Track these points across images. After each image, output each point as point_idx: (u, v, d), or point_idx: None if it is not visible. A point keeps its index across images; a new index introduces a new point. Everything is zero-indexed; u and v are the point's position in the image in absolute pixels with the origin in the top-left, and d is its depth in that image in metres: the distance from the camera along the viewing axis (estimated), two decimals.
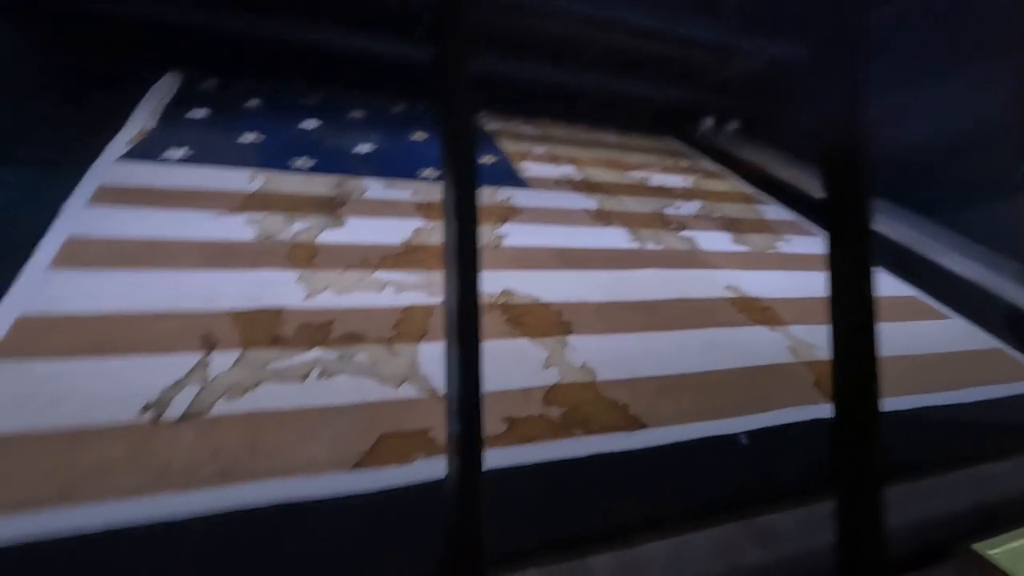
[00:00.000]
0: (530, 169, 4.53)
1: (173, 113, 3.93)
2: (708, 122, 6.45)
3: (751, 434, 2.26)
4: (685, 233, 4.06)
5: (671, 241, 3.89)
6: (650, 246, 3.74)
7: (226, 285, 2.44)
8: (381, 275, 2.76)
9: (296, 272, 2.63)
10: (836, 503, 1.13)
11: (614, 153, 5.49)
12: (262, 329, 2.25)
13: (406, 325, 2.46)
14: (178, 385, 1.91)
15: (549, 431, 2.08)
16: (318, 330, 2.31)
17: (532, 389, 2.26)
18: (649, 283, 3.27)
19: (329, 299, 2.51)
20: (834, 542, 1.11)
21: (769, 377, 2.67)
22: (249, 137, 3.88)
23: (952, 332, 3.43)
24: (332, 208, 3.26)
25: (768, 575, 1.19)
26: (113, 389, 1.85)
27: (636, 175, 5.01)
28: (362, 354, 2.24)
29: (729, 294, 3.34)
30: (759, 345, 2.92)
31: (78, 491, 1.53)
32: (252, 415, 1.86)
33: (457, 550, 0.94)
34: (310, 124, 4.29)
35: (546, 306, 2.82)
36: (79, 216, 2.65)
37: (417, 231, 3.23)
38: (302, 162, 3.71)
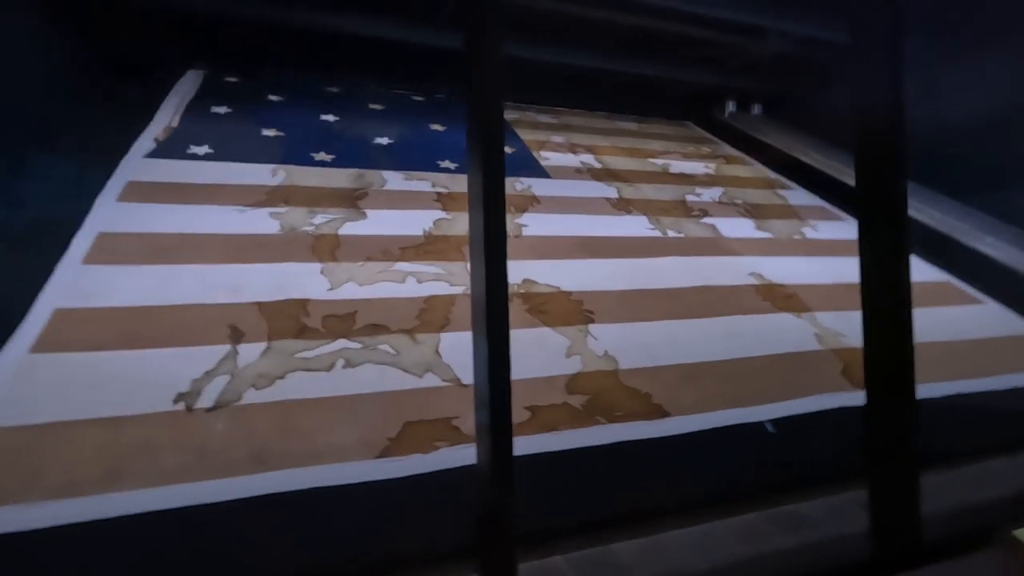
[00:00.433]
0: (549, 158, 4.50)
1: (197, 109, 3.99)
2: (731, 106, 6.32)
3: (777, 422, 2.24)
4: (707, 220, 4.01)
5: (693, 228, 3.85)
6: (671, 233, 3.70)
7: (252, 277, 2.48)
8: (402, 266, 2.78)
9: (320, 264, 2.67)
10: (870, 489, 1.12)
11: (633, 140, 5.43)
12: (288, 320, 2.29)
13: (428, 315, 2.48)
14: (209, 375, 1.96)
15: (572, 419, 2.08)
16: (342, 320, 2.34)
17: (554, 377, 2.27)
18: (671, 271, 3.24)
19: (352, 290, 2.54)
20: (869, 528, 1.10)
21: (795, 365, 2.63)
22: (270, 132, 3.93)
23: (986, 317, 3.33)
24: (353, 200, 3.29)
25: (795, 561, 1.18)
26: (147, 379, 1.90)
27: (657, 162, 4.95)
28: (385, 344, 2.27)
29: (753, 281, 3.29)
30: (784, 332, 2.87)
31: (123, 474, 1.58)
32: (281, 404, 1.90)
33: (489, 534, 0.96)
34: (330, 117, 4.33)
35: (567, 295, 2.82)
36: (110, 211, 2.72)
37: (437, 222, 3.24)
38: (323, 155, 3.74)
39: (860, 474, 1.39)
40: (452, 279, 2.75)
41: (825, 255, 3.76)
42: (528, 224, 3.41)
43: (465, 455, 1.84)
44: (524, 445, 1.93)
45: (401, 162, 3.87)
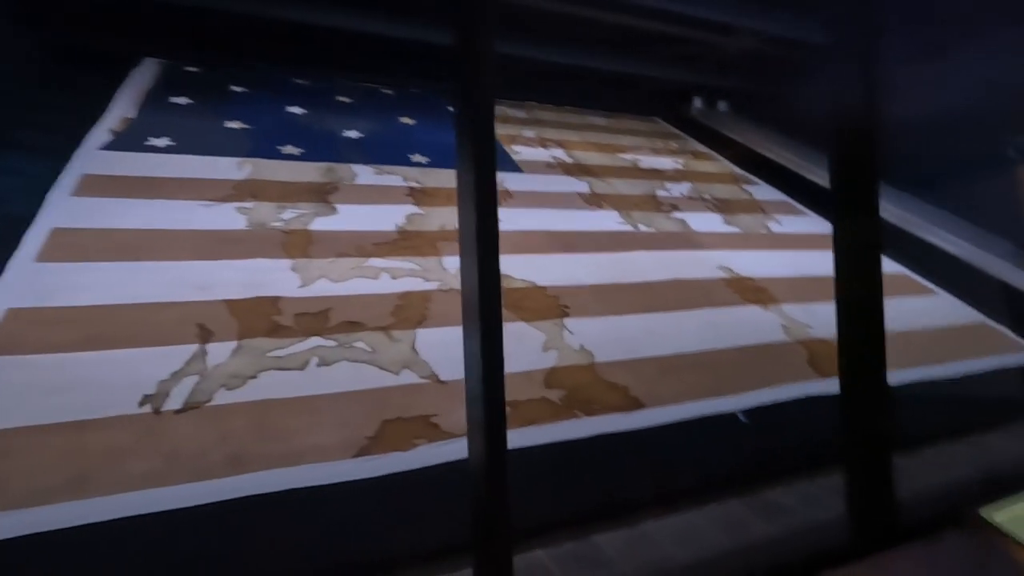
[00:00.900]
0: (521, 153, 4.50)
1: (155, 99, 3.83)
2: (698, 102, 6.43)
3: (750, 412, 2.30)
4: (677, 214, 4.07)
5: (663, 223, 3.90)
6: (643, 228, 3.75)
7: (220, 274, 2.40)
8: (376, 262, 2.74)
9: (291, 260, 2.60)
10: (846, 474, 1.16)
11: (603, 135, 5.47)
12: (259, 318, 2.22)
13: (404, 312, 2.45)
14: (176, 376, 1.89)
15: (551, 413, 2.09)
16: (315, 318, 2.29)
17: (532, 372, 2.27)
18: (643, 265, 3.29)
19: (325, 287, 2.48)
20: (846, 511, 1.14)
21: (765, 356, 2.70)
22: (235, 124, 3.80)
23: (940, 307, 3.49)
24: (323, 195, 3.21)
25: (776, 548, 1.22)
26: (110, 381, 1.82)
27: (626, 157, 5.00)
28: (361, 341, 2.23)
29: (722, 274, 3.36)
30: (754, 324, 2.95)
31: (90, 481, 1.51)
32: (254, 404, 1.85)
33: (484, 528, 0.96)
34: (297, 110, 4.21)
35: (542, 290, 2.82)
36: (64, 206, 2.59)
37: (410, 217, 3.20)
38: (291, 149, 3.64)
39: (831, 461, 1.44)
40: (427, 275, 2.72)
41: (790, 249, 3.87)
42: (502, 219, 3.38)
43: (445, 452, 1.83)
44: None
45: (372, 156, 3.80)
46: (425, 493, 1.69)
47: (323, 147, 3.77)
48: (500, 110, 5.40)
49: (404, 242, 2.95)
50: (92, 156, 3.02)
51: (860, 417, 1.10)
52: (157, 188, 2.89)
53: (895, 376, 2.61)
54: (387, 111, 4.64)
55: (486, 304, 0.81)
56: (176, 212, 2.74)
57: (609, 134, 5.56)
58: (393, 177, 3.61)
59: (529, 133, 4.99)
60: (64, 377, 1.81)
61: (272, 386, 1.93)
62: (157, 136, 3.35)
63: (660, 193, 4.38)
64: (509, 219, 3.42)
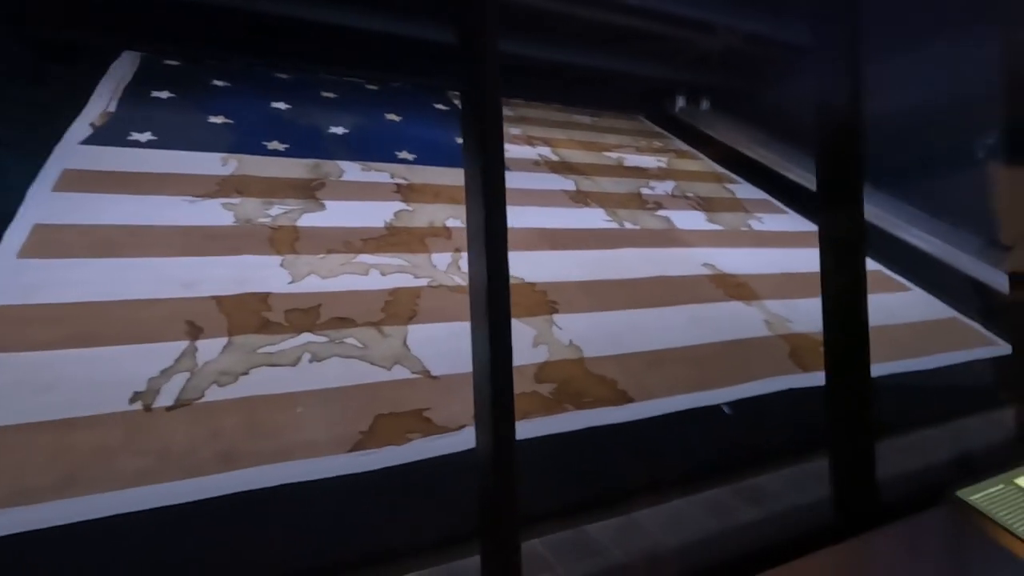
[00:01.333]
0: (508, 150, 4.52)
1: (135, 93, 3.76)
2: (681, 100, 6.51)
3: (734, 404, 2.35)
4: (661, 212, 4.13)
5: (648, 220, 3.96)
6: (628, 225, 3.80)
7: (208, 271, 2.38)
8: (365, 258, 2.74)
9: (279, 257, 2.59)
10: (831, 459, 1.21)
11: (589, 134, 5.52)
12: (248, 315, 2.21)
13: (394, 307, 2.46)
14: (166, 373, 1.88)
15: (542, 407, 2.13)
16: (306, 314, 2.29)
17: (523, 367, 2.30)
18: (629, 262, 3.34)
19: (315, 283, 2.48)
20: (830, 494, 1.19)
21: (748, 350, 2.77)
22: (218, 119, 3.75)
23: (914, 303, 3.61)
24: (311, 191, 3.20)
25: (762, 530, 1.26)
26: (99, 379, 1.80)
27: (611, 156, 5.06)
28: (352, 337, 2.24)
29: (706, 271, 3.43)
30: (737, 320, 3.02)
31: (79, 479, 1.50)
32: (246, 400, 1.84)
33: (492, 518, 0.98)
34: (281, 105, 4.18)
35: (531, 286, 2.85)
36: (45, 202, 2.54)
37: (398, 213, 3.20)
38: (276, 144, 3.61)
39: (814, 449, 1.49)
40: (416, 271, 2.73)
41: (771, 246, 3.96)
42: None
43: (439, 445, 1.85)
44: None
45: (358, 152, 3.79)
46: (420, 486, 1.71)
47: (309, 143, 3.74)
48: None
49: (392, 238, 2.95)
50: (73, 151, 2.97)
51: (845, 405, 1.15)
52: (141, 183, 2.85)
53: (875, 369, 2.71)
54: (372, 107, 4.62)
55: (494, 298, 0.83)
56: (161, 208, 2.71)
57: (594, 132, 5.61)
58: (380, 174, 3.60)
59: (515, 131, 5.01)
60: (51, 375, 1.79)
61: (264, 382, 1.93)
62: (139, 131, 3.29)
63: (644, 191, 4.44)
64: None
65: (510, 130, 4.98)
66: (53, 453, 1.58)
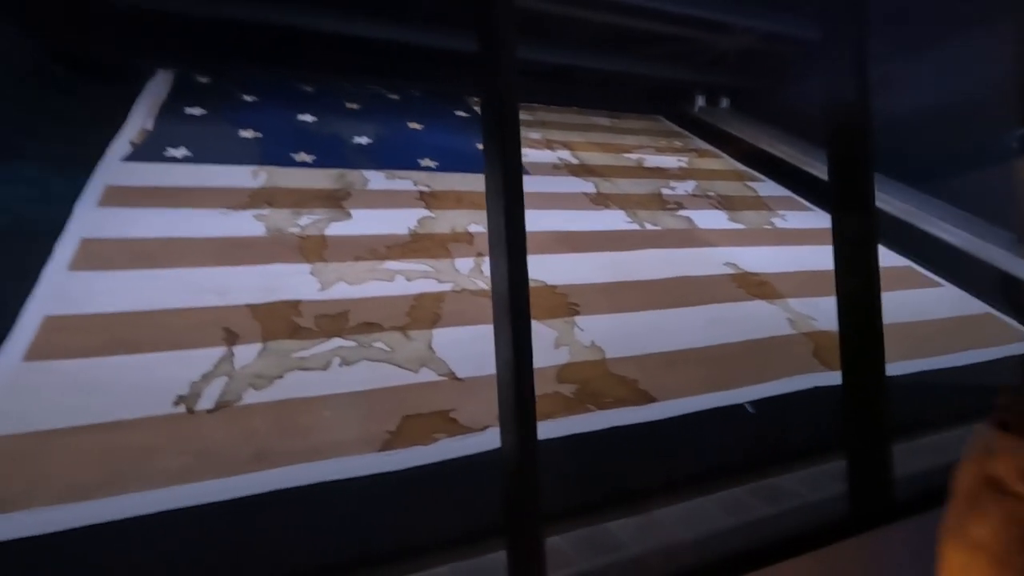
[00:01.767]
0: (527, 155, 4.57)
1: (170, 110, 3.94)
2: (700, 100, 6.49)
3: (756, 403, 2.36)
4: (682, 212, 4.13)
5: (669, 221, 3.97)
6: (649, 226, 3.82)
7: (241, 280, 2.50)
8: (391, 265, 2.82)
9: (308, 265, 2.69)
10: (848, 457, 1.22)
11: (608, 135, 5.54)
12: (281, 321, 2.31)
13: (419, 312, 2.53)
14: (207, 377, 1.98)
15: (564, 407, 2.17)
16: (335, 320, 2.38)
17: (545, 368, 2.35)
18: (650, 263, 3.36)
19: (343, 290, 2.57)
20: (846, 491, 1.20)
21: (771, 348, 2.77)
22: (248, 133, 3.90)
23: (946, 299, 3.54)
24: (337, 201, 3.30)
25: (778, 524, 1.28)
26: (144, 383, 1.91)
27: (631, 157, 5.07)
28: (379, 341, 2.32)
29: (728, 270, 3.43)
30: (759, 318, 3.01)
31: (127, 477, 1.60)
32: (281, 403, 1.93)
33: (516, 515, 1.03)
34: (307, 117, 4.31)
35: (552, 288, 2.90)
36: (91, 216, 2.69)
37: (422, 220, 3.28)
38: (303, 156, 3.74)
39: (834, 448, 1.50)
40: (440, 276, 2.80)
41: (794, 244, 3.93)
42: None
43: (464, 445, 1.91)
44: None
45: (382, 161, 3.89)
46: (447, 483, 1.77)
47: (334, 153, 3.86)
48: None
49: (416, 245, 3.03)
50: (114, 167, 3.13)
51: (861, 403, 1.17)
52: (177, 197, 2.99)
53: (900, 367, 2.68)
54: (394, 116, 4.73)
55: (515, 301, 0.89)
56: (196, 220, 2.84)
57: (613, 134, 5.63)
58: (404, 182, 3.70)
59: (535, 135, 5.07)
60: (99, 380, 1.91)
61: (297, 386, 2.02)
62: (175, 146, 3.45)
63: (665, 191, 4.44)
64: None
65: (529, 134, 5.04)
66: (101, 453, 1.69)
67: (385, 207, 3.34)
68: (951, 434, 1.92)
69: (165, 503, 1.60)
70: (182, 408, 1.84)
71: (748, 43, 5.65)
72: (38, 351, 1.94)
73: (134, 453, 1.71)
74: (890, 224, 4.19)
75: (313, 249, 2.81)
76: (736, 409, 2.32)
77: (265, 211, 3.05)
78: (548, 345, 2.49)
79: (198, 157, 3.44)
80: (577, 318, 2.70)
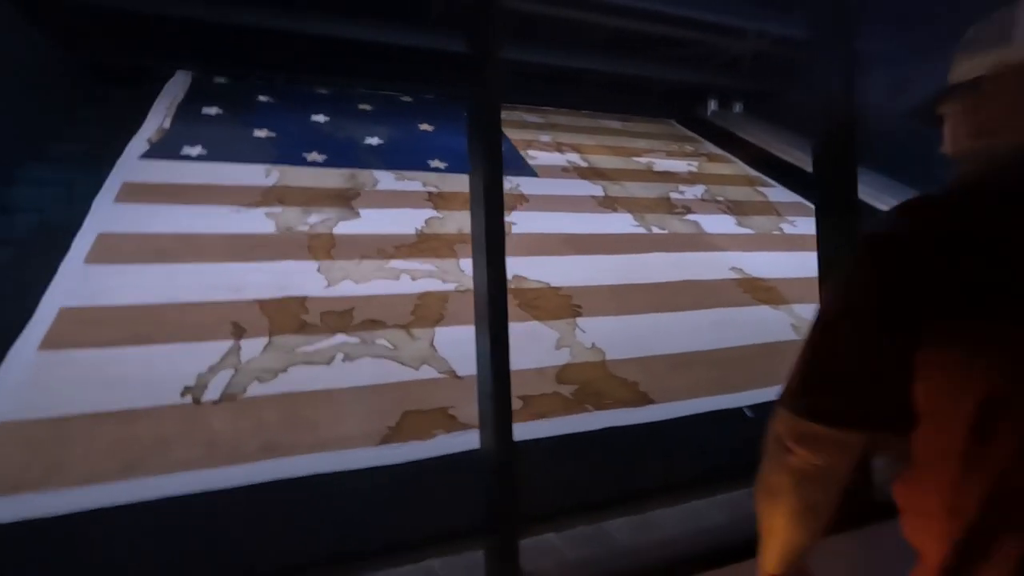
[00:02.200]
0: (537, 157, 4.60)
1: (187, 110, 4.03)
2: (713, 104, 6.47)
3: (757, 407, 2.36)
4: (690, 217, 4.14)
5: (676, 225, 3.97)
6: (656, 230, 3.83)
7: (251, 276, 2.56)
8: (397, 264, 2.87)
9: (316, 263, 2.75)
10: None
11: (618, 139, 5.55)
12: (288, 317, 2.37)
13: (423, 311, 2.57)
14: (213, 370, 2.04)
15: (562, 407, 2.19)
16: (340, 317, 2.43)
17: (545, 369, 2.38)
18: (655, 266, 3.37)
19: (349, 287, 2.62)
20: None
21: (774, 353, 2.76)
22: (262, 132, 3.98)
23: None
24: (347, 200, 3.36)
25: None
26: (154, 374, 1.98)
27: (641, 160, 5.08)
28: (383, 338, 2.36)
29: (734, 275, 3.43)
30: (763, 323, 3.01)
31: (140, 463, 1.66)
32: (284, 396, 1.98)
33: (493, 515, 1.06)
34: (321, 118, 4.38)
35: (556, 290, 2.92)
36: (108, 212, 2.77)
37: (429, 221, 3.33)
38: (315, 156, 3.80)
39: None
40: (445, 276, 2.84)
41: (802, 250, 3.90)
42: (517, 222, 3.51)
43: (462, 441, 1.94)
44: (517, 432, 2.03)
45: (392, 162, 3.95)
46: (443, 478, 1.80)
47: (346, 154, 3.93)
48: (517, 115, 5.52)
49: (423, 245, 3.08)
50: (132, 165, 3.21)
51: None
52: (192, 195, 3.07)
53: None
54: (406, 118, 4.79)
55: (493, 304, 0.92)
56: (210, 217, 2.91)
57: (624, 137, 5.64)
58: (413, 183, 3.75)
59: (545, 138, 5.10)
60: (113, 371, 1.97)
61: (301, 379, 2.07)
62: (191, 145, 3.53)
63: (674, 196, 4.45)
64: (524, 222, 3.53)
65: (540, 137, 5.07)
66: (115, 440, 1.75)
67: (393, 207, 3.39)
68: None
69: (176, 488, 1.65)
70: (188, 399, 1.90)
71: (762, 47, 5.64)
72: (53, 341, 2.01)
73: (145, 441, 1.77)
74: None
75: (321, 247, 2.86)
76: (735, 413, 2.33)
77: (276, 209, 3.11)
78: (549, 346, 2.51)
79: (213, 155, 3.52)
80: (579, 320, 2.72)
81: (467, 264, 2.95)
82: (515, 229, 3.43)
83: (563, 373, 2.36)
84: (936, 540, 0.53)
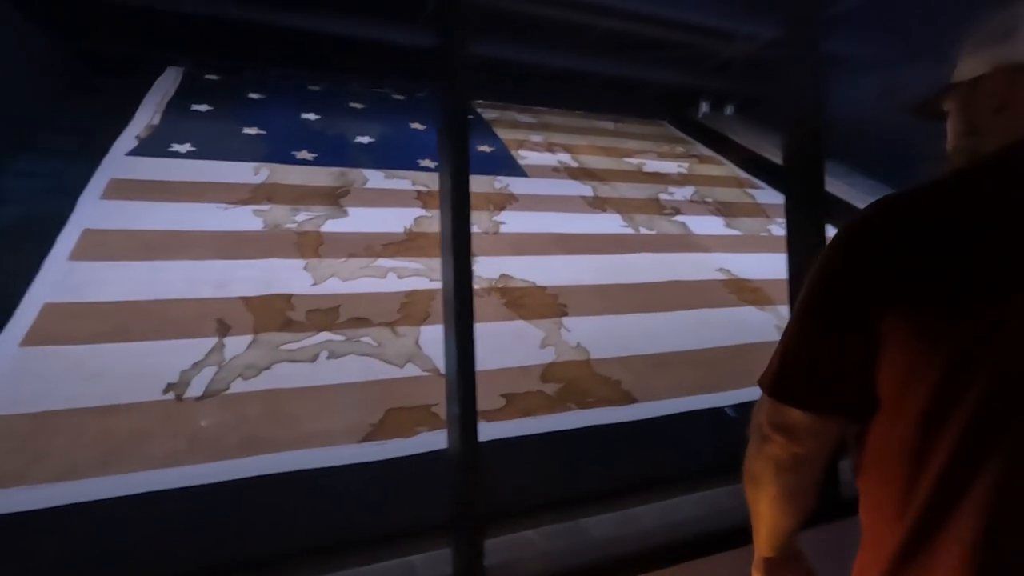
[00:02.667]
0: (527, 157, 4.62)
1: (178, 107, 4.02)
2: (705, 106, 6.51)
3: (740, 407, 2.39)
4: (679, 218, 4.16)
5: (664, 226, 4.00)
6: (644, 231, 3.85)
7: (237, 273, 2.56)
8: (384, 262, 2.88)
9: (303, 260, 2.75)
10: None
11: (610, 139, 5.57)
12: (273, 314, 2.37)
13: (408, 309, 2.58)
14: (197, 366, 2.04)
15: (546, 405, 2.21)
16: (326, 314, 2.43)
17: (530, 367, 2.39)
18: (643, 266, 3.39)
19: (335, 285, 2.63)
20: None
21: (758, 354, 2.78)
22: (252, 130, 3.97)
23: None
24: (335, 198, 3.36)
25: (739, 513, 1.31)
26: (137, 370, 1.98)
27: (632, 161, 5.10)
28: (368, 336, 2.37)
29: (720, 276, 3.45)
30: (749, 324, 3.03)
31: (119, 458, 1.66)
32: (268, 392, 1.99)
33: (460, 512, 1.07)
34: (311, 116, 4.38)
35: (542, 289, 2.94)
36: (94, 208, 2.77)
37: (418, 219, 3.33)
38: (305, 154, 3.80)
39: None
40: (432, 275, 2.84)
41: None
42: (506, 221, 3.52)
43: (444, 439, 1.95)
44: (500, 430, 2.05)
45: (382, 161, 3.95)
46: (425, 475, 1.81)
47: (335, 152, 3.93)
48: (510, 115, 5.53)
49: (411, 243, 3.08)
50: (119, 161, 3.21)
51: None
52: (179, 191, 3.06)
53: None
54: (397, 116, 4.79)
55: (459, 303, 0.93)
56: (197, 214, 2.91)
57: (616, 138, 5.66)
58: (402, 181, 3.75)
59: (537, 138, 5.11)
60: (95, 366, 1.97)
61: (285, 376, 2.08)
62: (180, 142, 3.53)
63: (663, 197, 4.47)
64: (512, 222, 3.55)
65: (531, 137, 5.09)
66: (97, 435, 1.75)
67: (382, 206, 3.39)
68: None
69: (156, 483, 1.65)
70: (171, 395, 1.90)
71: (754, 50, 5.67)
72: (36, 337, 2.01)
73: (127, 437, 1.77)
74: None
75: (309, 245, 2.87)
76: (717, 412, 2.35)
77: (265, 207, 3.11)
78: (535, 345, 2.53)
79: (202, 153, 3.51)
80: (565, 319, 2.74)
81: None
82: (503, 229, 3.44)
83: (548, 372, 2.38)
84: (889, 528, 0.54)
